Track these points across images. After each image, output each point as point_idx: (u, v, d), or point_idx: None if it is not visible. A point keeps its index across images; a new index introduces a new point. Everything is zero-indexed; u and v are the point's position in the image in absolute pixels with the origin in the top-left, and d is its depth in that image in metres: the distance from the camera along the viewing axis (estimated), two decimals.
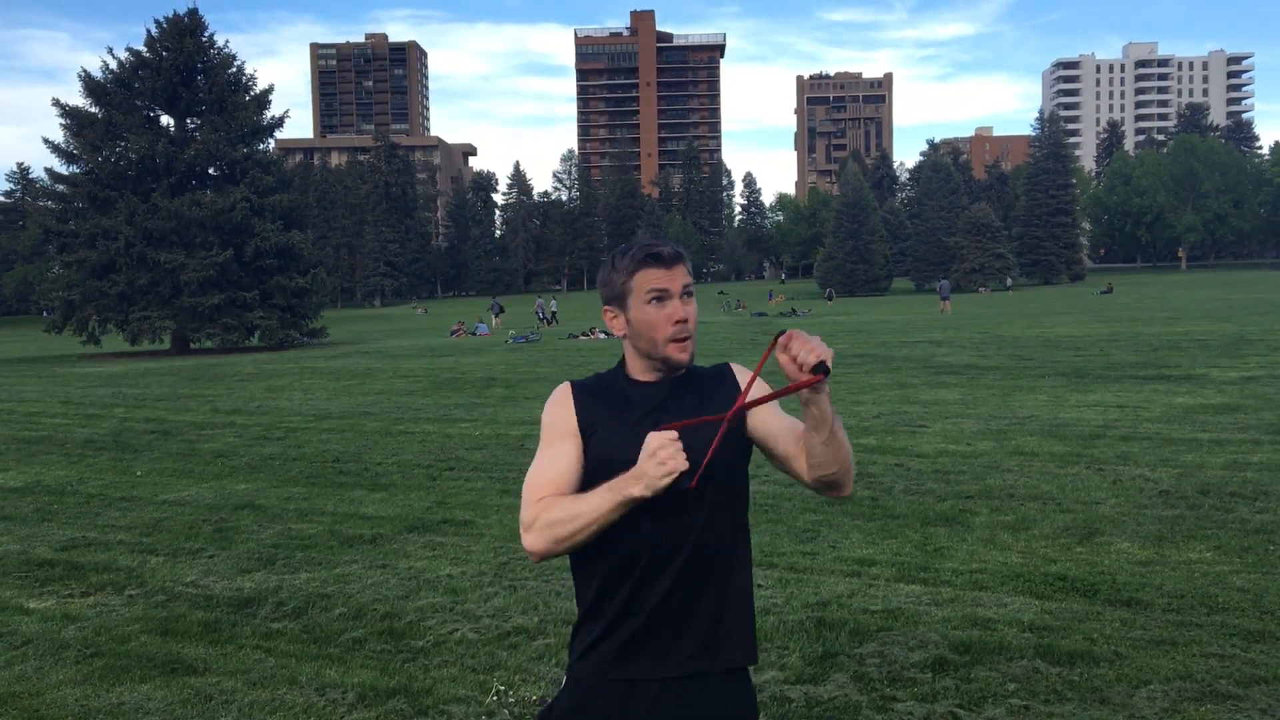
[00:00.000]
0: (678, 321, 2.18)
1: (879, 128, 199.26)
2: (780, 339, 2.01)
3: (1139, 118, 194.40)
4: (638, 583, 2.16)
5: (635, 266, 2.19)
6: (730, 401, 2.19)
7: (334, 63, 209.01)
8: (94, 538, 7.99)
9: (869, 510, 7.89)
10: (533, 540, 2.10)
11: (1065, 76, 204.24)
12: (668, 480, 1.97)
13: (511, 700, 4.56)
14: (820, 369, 1.97)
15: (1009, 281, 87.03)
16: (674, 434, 2.00)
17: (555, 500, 2.11)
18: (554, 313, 51.39)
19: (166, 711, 4.58)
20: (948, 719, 4.22)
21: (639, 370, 2.25)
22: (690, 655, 2.16)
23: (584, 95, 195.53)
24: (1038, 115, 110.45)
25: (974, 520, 7.47)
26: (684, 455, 1.98)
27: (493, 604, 5.93)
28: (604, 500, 2.04)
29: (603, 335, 36.31)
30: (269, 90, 43.63)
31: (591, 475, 2.15)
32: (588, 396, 2.24)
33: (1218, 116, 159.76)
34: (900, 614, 5.48)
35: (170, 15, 41.99)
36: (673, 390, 2.22)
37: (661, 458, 1.96)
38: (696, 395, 2.23)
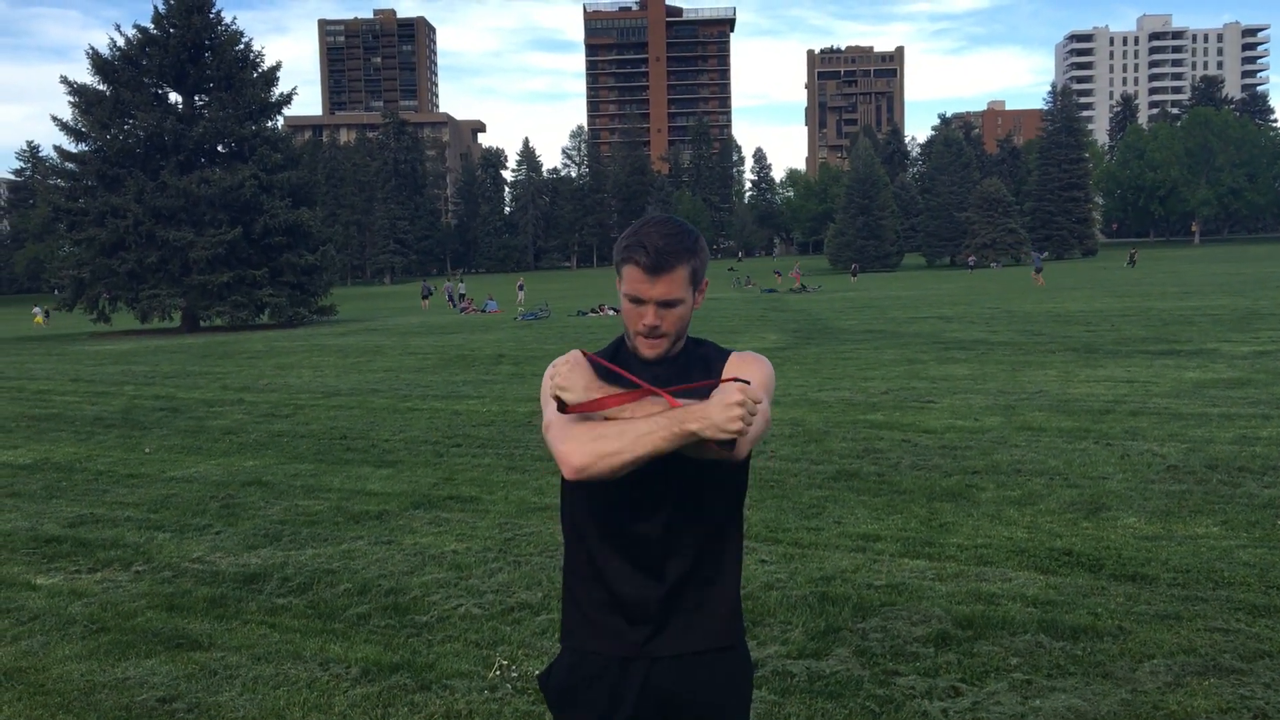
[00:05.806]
0: (647, 325, 2.12)
1: (890, 102, 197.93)
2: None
3: (1153, 90, 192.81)
4: (620, 554, 2.15)
5: (621, 258, 2.13)
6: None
7: (342, 39, 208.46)
8: (102, 514, 8.03)
9: (875, 486, 7.87)
10: (571, 450, 1.97)
11: (1078, 49, 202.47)
12: (730, 430, 1.87)
13: (514, 675, 4.57)
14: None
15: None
16: (756, 394, 1.92)
17: (600, 424, 1.99)
18: (462, 294, 52.63)
19: (171, 686, 4.61)
20: (950, 693, 4.21)
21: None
22: (674, 632, 2.15)
23: (593, 71, 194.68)
24: (1050, 88, 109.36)
25: (980, 496, 7.45)
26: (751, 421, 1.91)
27: (497, 579, 5.94)
28: (658, 426, 1.92)
29: (611, 312, 36.27)
30: (276, 67, 43.52)
31: None
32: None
33: (1232, 89, 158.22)
34: (904, 589, 5.47)
35: None
36: (679, 372, 2.16)
37: (737, 413, 1.87)
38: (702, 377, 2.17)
